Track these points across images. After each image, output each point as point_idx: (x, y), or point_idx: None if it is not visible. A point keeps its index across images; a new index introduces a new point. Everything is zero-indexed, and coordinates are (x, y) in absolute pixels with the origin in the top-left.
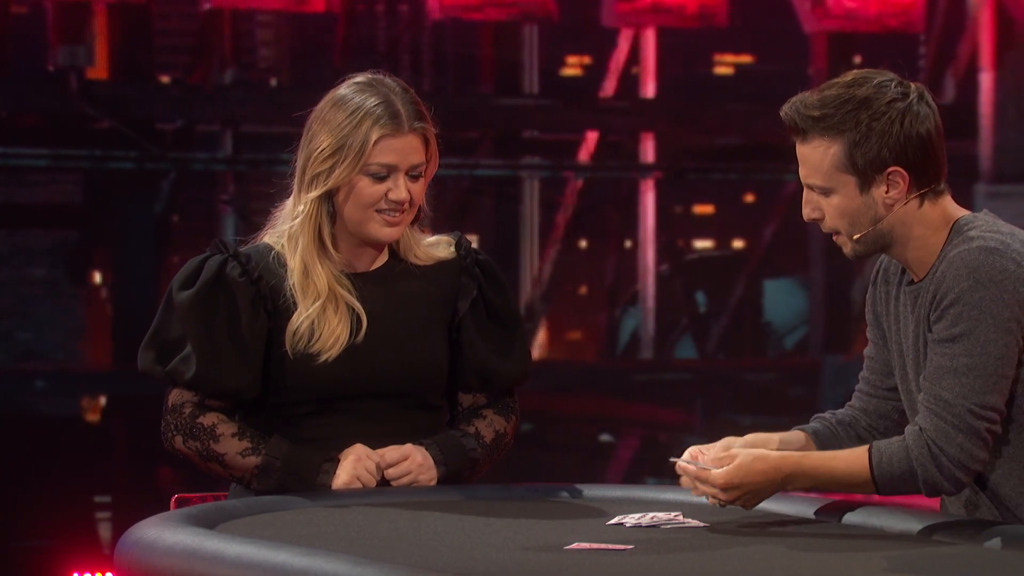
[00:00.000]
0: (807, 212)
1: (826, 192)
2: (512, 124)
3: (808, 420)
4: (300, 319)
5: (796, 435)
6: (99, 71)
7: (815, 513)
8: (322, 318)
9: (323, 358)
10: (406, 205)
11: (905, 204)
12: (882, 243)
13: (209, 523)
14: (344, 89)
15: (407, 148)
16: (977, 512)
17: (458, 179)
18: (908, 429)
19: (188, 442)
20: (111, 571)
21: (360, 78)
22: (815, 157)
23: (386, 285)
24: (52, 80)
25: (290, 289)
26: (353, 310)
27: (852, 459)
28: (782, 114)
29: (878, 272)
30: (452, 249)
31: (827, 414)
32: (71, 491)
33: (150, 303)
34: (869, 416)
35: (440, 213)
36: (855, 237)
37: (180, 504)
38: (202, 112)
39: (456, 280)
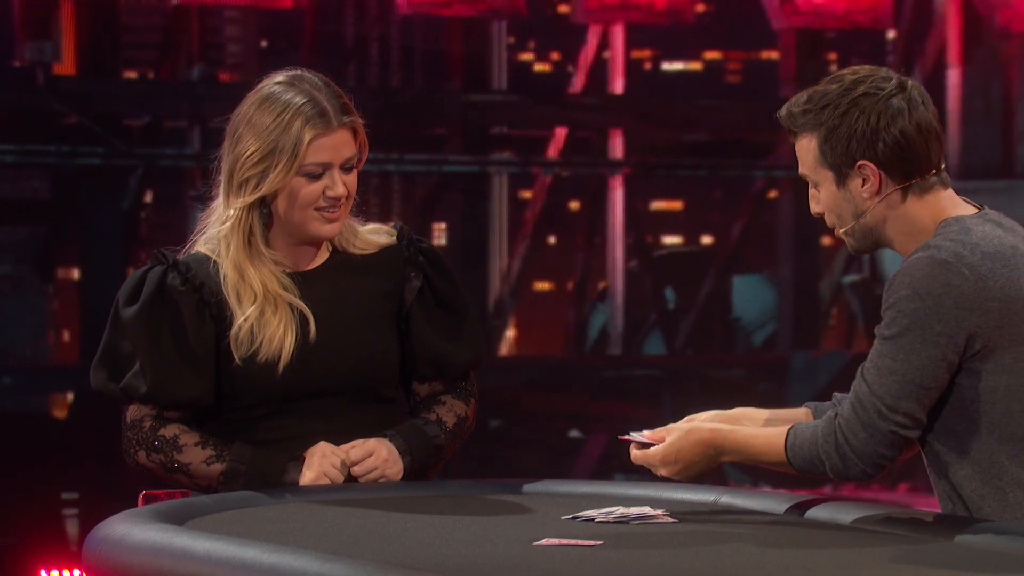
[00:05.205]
0: (812, 207)
1: (815, 186)
2: (481, 120)
3: None
4: (239, 324)
5: (797, 411)
6: (66, 67)
7: (785, 509)
8: (260, 321)
9: (269, 361)
10: (343, 200)
11: (885, 198)
12: (873, 238)
13: (177, 519)
14: (267, 89)
15: (339, 144)
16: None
17: (427, 175)
18: (826, 415)
19: (151, 456)
20: (79, 568)
21: (281, 77)
22: (802, 152)
23: (330, 282)
24: (19, 76)
25: (228, 296)
26: (296, 310)
27: (771, 438)
28: (778, 115)
29: None
30: (393, 238)
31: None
32: (38, 488)
33: None
34: None
35: (409, 209)
36: (842, 231)
37: (148, 500)
38: (170, 108)
39: (400, 271)
